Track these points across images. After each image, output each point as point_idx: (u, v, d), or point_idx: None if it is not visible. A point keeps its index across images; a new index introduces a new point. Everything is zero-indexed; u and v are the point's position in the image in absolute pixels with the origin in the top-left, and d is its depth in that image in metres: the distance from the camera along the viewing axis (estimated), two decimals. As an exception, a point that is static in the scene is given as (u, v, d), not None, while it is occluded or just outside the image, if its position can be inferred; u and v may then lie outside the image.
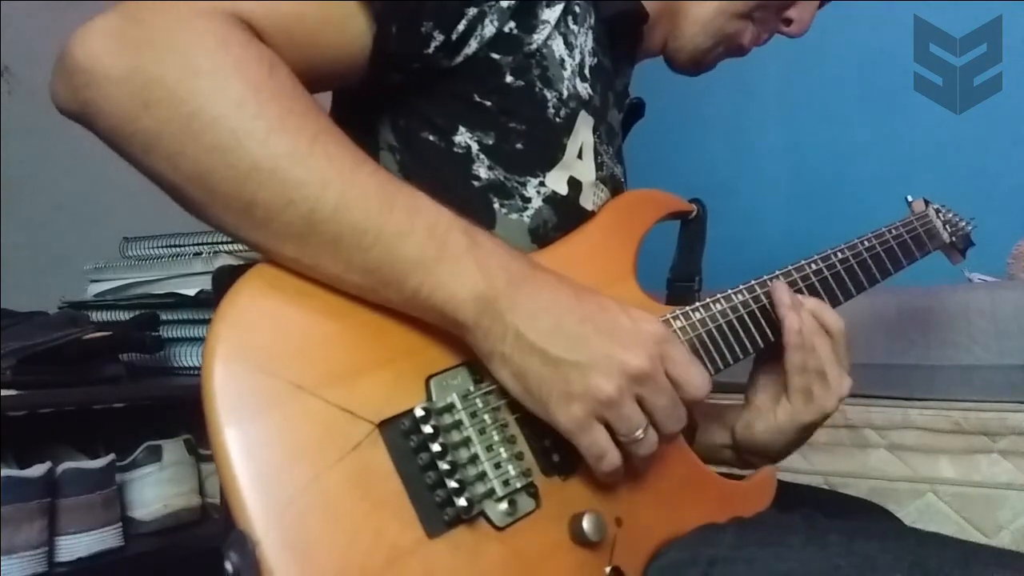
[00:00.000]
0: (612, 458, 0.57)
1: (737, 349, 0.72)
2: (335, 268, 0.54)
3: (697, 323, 0.70)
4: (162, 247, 1.43)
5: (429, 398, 0.56)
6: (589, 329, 0.56)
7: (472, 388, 0.58)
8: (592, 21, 0.72)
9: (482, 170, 0.67)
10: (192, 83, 0.51)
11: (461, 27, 0.62)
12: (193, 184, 0.52)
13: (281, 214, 0.52)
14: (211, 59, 0.51)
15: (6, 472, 1.01)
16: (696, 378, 0.58)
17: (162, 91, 0.50)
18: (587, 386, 0.55)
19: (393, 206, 0.54)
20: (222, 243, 1.37)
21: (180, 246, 1.41)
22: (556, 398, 0.55)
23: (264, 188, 0.51)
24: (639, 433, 0.56)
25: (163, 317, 1.36)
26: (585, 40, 0.71)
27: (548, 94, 0.68)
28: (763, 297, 0.74)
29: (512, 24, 0.65)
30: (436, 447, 0.54)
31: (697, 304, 0.71)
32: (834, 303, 0.79)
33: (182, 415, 1.27)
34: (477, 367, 0.58)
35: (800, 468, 1.45)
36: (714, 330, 0.71)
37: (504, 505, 0.55)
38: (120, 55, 0.51)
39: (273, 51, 0.55)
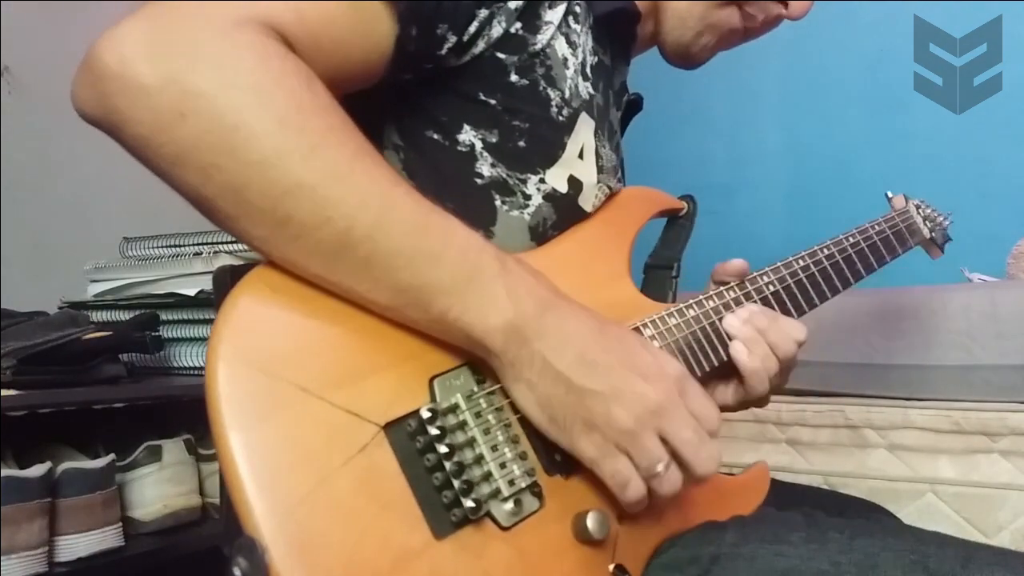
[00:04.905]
0: (636, 486, 0.56)
1: (713, 357, 0.70)
2: (361, 287, 0.54)
3: (682, 324, 0.69)
4: (162, 247, 1.43)
5: (433, 399, 0.56)
6: (612, 360, 0.56)
7: (475, 388, 0.58)
8: (591, 20, 0.72)
9: (485, 168, 0.67)
10: (233, 96, 0.49)
11: (472, 28, 0.62)
12: (225, 197, 0.51)
13: (316, 232, 0.52)
14: (252, 73, 0.50)
15: (6, 472, 1.01)
16: (712, 413, 0.58)
17: (201, 103, 0.49)
18: (608, 416, 0.55)
19: (427, 228, 0.54)
20: (222, 243, 1.37)
21: (180, 246, 1.42)
22: (579, 427, 0.56)
23: (302, 205, 0.51)
24: (660, 467, 0.56)
25: (163, 317, 1.37)
26: (586, 40, 0.71)
27: (551, 93, 0.68)
28: (743, 300, 0.73)
29: (518, 25, 0.65)
30: (443, 448, 0.54)
31: (681, 306, 0.70)
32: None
33: (182, 415, 1.28)
34: (479, 367, 0.58)
35: (800, 468, 1.45)
36: (698, 332, 0.69)
37: (510, 505, 0.55)
38: (155, 63, 0.49)
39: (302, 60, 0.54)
